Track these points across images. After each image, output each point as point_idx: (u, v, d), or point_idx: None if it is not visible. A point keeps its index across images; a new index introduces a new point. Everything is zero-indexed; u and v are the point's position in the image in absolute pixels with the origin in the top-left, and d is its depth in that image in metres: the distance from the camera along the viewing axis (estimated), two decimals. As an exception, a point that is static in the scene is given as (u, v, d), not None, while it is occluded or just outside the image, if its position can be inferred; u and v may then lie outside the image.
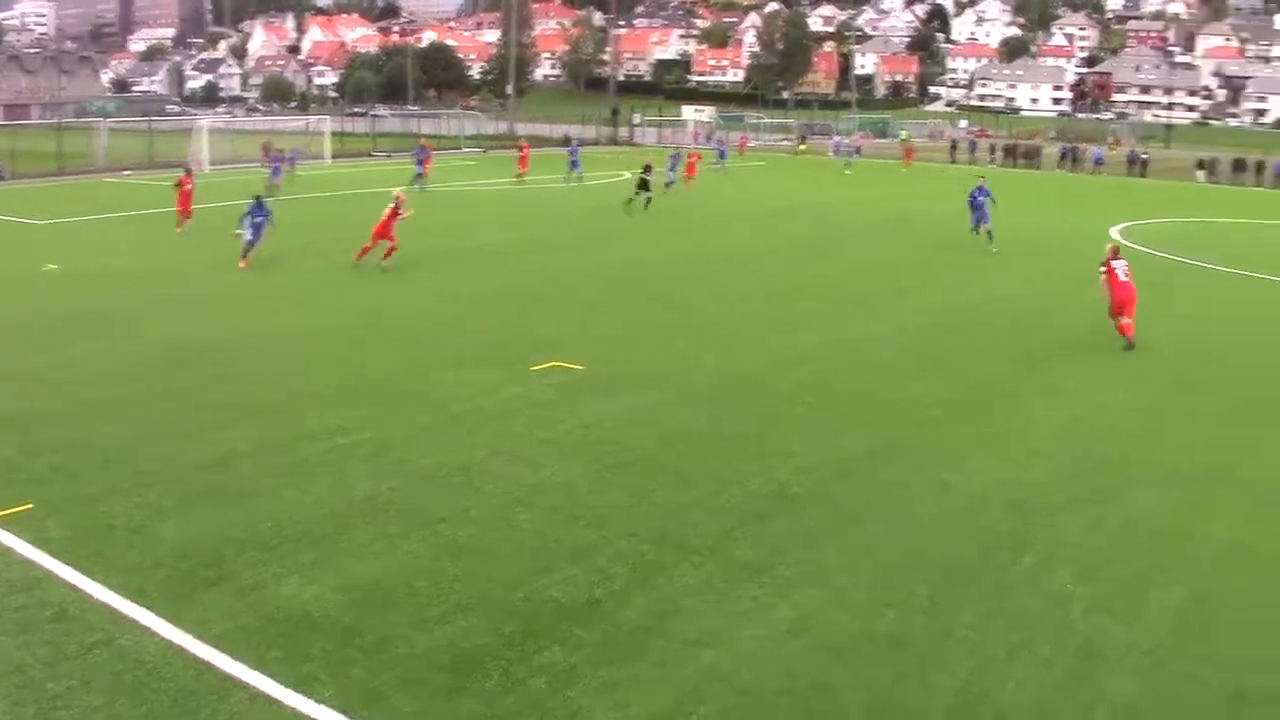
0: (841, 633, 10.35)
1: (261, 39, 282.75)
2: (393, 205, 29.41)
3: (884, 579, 11.56)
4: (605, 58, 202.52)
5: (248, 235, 28.94)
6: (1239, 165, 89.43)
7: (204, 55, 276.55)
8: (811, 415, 17.45)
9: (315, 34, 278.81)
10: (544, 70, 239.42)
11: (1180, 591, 11.69)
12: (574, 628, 10.14)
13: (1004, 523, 13.38)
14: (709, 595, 10.93)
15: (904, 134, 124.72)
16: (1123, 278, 23.46)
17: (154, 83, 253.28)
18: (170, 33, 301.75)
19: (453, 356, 20.14)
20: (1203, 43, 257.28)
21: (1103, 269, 23.75)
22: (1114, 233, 44.69)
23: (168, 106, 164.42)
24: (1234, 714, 9.40)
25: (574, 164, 57.23)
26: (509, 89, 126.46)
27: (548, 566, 11.41)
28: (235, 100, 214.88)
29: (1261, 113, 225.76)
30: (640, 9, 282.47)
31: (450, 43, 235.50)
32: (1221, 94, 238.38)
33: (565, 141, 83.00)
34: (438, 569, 11.25)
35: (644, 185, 44.49)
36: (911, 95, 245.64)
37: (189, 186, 35.63)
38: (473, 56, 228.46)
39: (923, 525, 13.16)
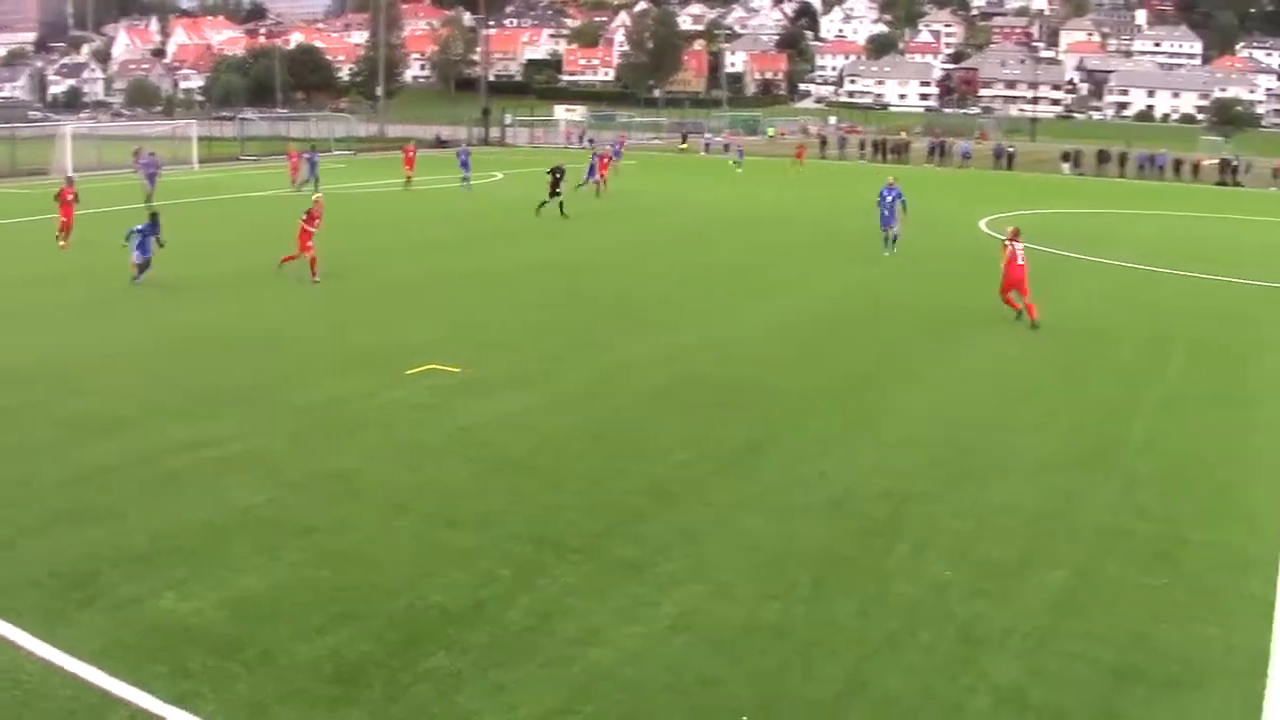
0: (725, 626, 10.43)
1: (125, 43, 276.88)
2: (306, 212, 28.65)
3: (765, 571, 11.68)
4: (475, 58, 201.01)
5: (136, 257, 26.93)
6: (1103, 157, 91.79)
7: (66, 60, 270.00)
8: (688, 411, 17.56)
9: (180, 37, 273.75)
10: (414, 71, 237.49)
11: (1057, 574, 11.96)
12: (458, 632, 10.11)
13: (880, 510, 13.60)
14: (592, 594, 10.96)
15: (770, 131, 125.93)
16: (1020, 261, 24.78)
17: (15, 88, 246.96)
18: (31, 37, 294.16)
19: (327, 362, 19.94)
20: (1066, 38, 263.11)
21: (1005, 248, 25.31)
22: (982, 225, 45.58)
23: (30, 113, 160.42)
24: (1114, 690, 9.65)
25: (464, 165, 55.61)
26: (379, 90, 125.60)
27: (429, 571, 11.35)
28: (99, 105, 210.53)
29: (1124, 106, 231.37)
30: (510, 9, 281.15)
31: (318, 44, 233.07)
32: (1085, 88, 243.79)
33: (438, 142, 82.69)
34: (318, 578, 11.14)
35: (556, 188, 43.51)
36: (781, 93, 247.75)
37: (70, 196, 33.79)
38: (341, 58, 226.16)
39: (801, 516, 13.32)
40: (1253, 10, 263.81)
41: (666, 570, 11.59)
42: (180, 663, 9.43)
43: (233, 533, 12.23)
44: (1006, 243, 25.34)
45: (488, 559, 11.67)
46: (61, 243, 32.77)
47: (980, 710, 9.23)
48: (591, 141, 68.32)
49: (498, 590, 10.96)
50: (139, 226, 27.10)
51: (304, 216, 28.37)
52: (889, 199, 35.45)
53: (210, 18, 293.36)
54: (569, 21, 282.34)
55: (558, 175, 43.57)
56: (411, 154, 57.68)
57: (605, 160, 57.06)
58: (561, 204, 43.31)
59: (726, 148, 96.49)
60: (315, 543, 12.02)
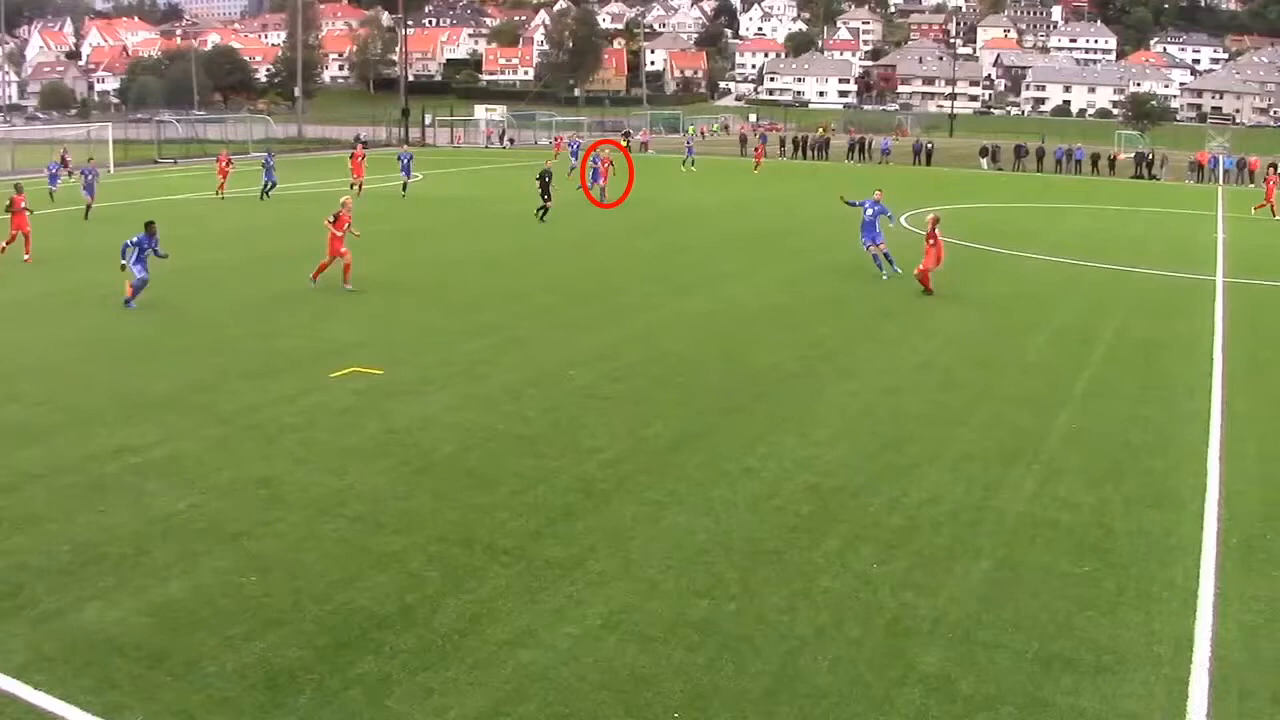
0: (655, 624, 10.44)
1: (39, 45, 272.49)
2: (337, 214, 27.50)
3: (693, 568, 11.70)
4: (394, 58, 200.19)
5: (139, 273, 24.61)
6: (1020, 152, 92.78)
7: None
8: (613, 409, 17.56)
9: (95, 38, 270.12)
10: (332, 72, 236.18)
11: (983, 564, 12.08)
12: (387, 636, 10.04)
13: (806, 505, 13.67)
14: (522, 595, 10.92)
15: (691, 129, 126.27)
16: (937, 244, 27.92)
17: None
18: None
19: (250, 366, 19.70)
20: (983, 34, 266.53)
21: (929, 236, 28.51)
22: (903, 220, 45.89)
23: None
24: (1041, 677, 9.77)
25: (405, 170, 53.30)
26: (297, 91, 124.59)
27: (357, 575, 11.26)
28: (13, 109, 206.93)
29: (1041, 101, 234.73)
30: (429, 8, 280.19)
31: (235, 45, 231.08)
32: (1002, 84, 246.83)
33: (356, 141, 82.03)
34: (244, 585, 11.02)
35: (547, 192, 42.32)
36: (701, 91, 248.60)
37: (22, 205, 31.86)
38: (259, 59, 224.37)
39: (728, 512, 13.36)
40: (1166, 6, 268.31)
41: (596, 569, 11.58)
42: (105, 674, 9.30)
43: (156, 540, 12.06)
44: (931, 231, 28.30)
45: (416, 561, 11.61)
46: (25, 257, 31.15)
47: (909, 701, 9.30)
48: (576, 145, 66.09)
49: (426, 593, 10.90)
50: (134, 239, 24.66)
51: (331, 220, 27.38)
52: (870, 213, 31.72)
53: (125, 19, 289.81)
54: (488, 21, 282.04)
55: (546, 179, 42.46)
56: (360, 159, 54.17)
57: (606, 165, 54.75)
58: (546, 210, 42.32)
59: (645, 146, 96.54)
60: (240, 549, 11.89)
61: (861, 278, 30.95)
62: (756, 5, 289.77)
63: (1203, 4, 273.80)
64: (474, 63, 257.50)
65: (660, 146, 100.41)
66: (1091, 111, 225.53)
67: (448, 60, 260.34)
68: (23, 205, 31.68)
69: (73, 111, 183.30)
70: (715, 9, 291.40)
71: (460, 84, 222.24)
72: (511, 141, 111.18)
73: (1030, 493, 14.45)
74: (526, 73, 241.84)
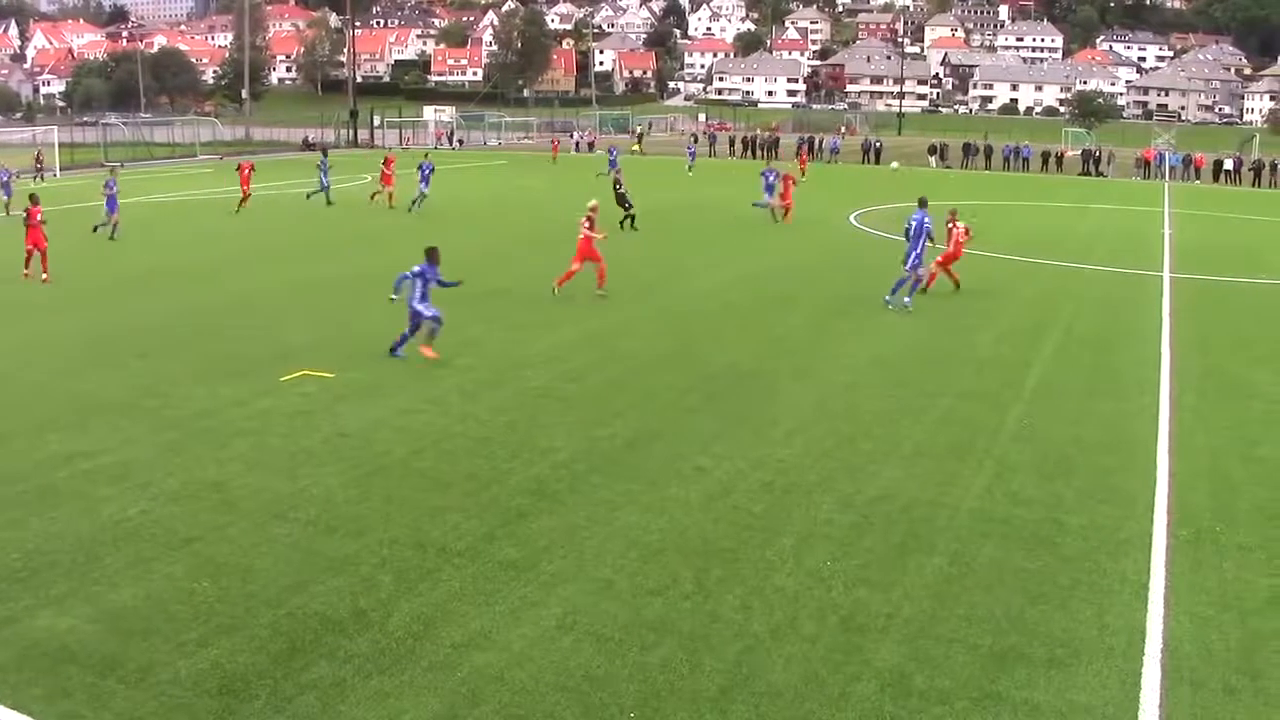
0: (610, 624, 10.44)
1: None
2: (587, 219, 26.82)
3: (648, 567, 11.71)
4: (342, 59, 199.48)
5: (427, 313, 20.78)
6: (969, 150, 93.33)
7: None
8: (566, 410, 17.54)
9: (40, 40, 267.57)
10: (280, 73, 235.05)
11: (936, 560, 12.15)
12: (341, 640, 9.99)
13: (760, 503, 13.72)
14: (476, 597, 10.89)
15: (640, 129, 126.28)
16: (962, 238, 28.11)
17: None
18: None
19: (200, 370, 19.53)
20: (930, 33, 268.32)
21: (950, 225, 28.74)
22: (852, 219, 46.09)
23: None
24: (995, 671, 9.85)
25: (424, 180, 47.79)
26: (244, 93, 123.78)
27: (310, 579, 11.20)
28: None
29: (988, 99, 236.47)
30: (376, 9, 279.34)
31: (182, 47, 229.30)
32: (950, 82, 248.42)
33: (305, 145, 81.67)
34: (196, 590, 10.93)
35: (622, 200, 40.61)
36: (650, 91, 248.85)
37: (39, 217, 28.91)
38: (205, 61, 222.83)
39: (682, 511, 13.38)
40: (1112, 4, 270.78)
41: (550, 570, 11.56)
42: (58, 683, 9.21)
43: (107, 546, 11.94)
44: (951, 221, 28.59)
45: (369, 565, 11.55)
46: (43, 276, 28.36)
47: (865, 696, 9.33)
48: (615, 152, 63.34)
49: (380, 596, 10.85)
50: (415, 270, 20.63)
51: (586, 225, 26.76)
52: (919, 226, 26.57)
53: (70, 21, 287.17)
54: (436, 22, 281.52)
55: (620, 189, 40.95)
56: (390, 167, 49.25)
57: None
58: (632, 218, 40.55)
59: (591, 146, 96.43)
60: (192, 554, 11.79)
61: (816, 275, 31.04)
62: (705, 5, 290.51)
63: (1148, 2, 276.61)
64: (422, 64, 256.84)
65: (605, 145, 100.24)
66: (1039, 109, 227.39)
67: (396, 61, 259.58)
68: (39, 218, 28.80)
69: (18, 115, 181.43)
70: (664, 9, 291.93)
71: (409, 85, 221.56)
72: (460, 143, 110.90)
73: (982, 488, 14.54)
74: (475, 73, 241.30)
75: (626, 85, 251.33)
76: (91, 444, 15.37)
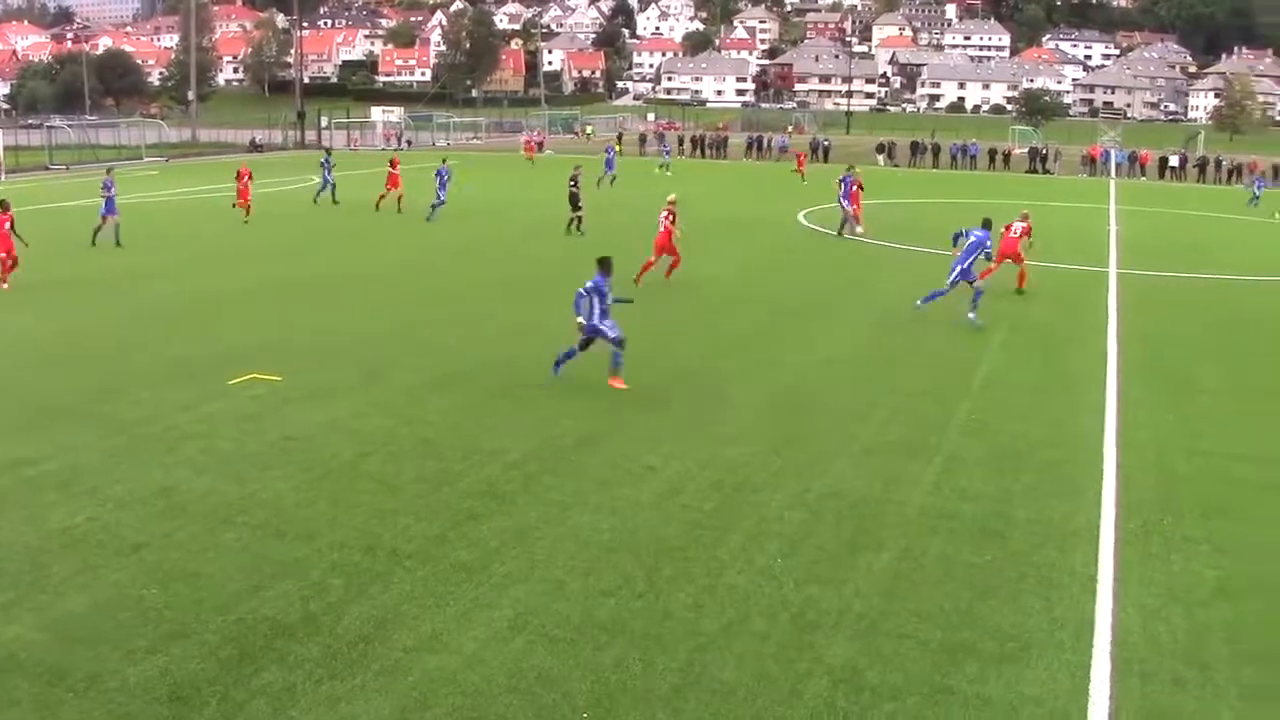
0: (563, 625, 10.42)
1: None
2: (668, 213, 28.53)
3: (599, 567, 11.71)
4: (289, 60, 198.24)
5: (613, 332, 19.27)
6: (916, 148, 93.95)
7: None
8: (517, 411, 17.50)
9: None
10: (226, 74, 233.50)
11: (885, 556, 12.23)
12: (292, 645, 9.92)
13: (710, 501, 13.75)
14: (427, 600, 10.85)
15: (590, 129, 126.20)
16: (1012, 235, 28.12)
17: None
18: None
19: (147, 374, 19.34)
20: (878, 32, 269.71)
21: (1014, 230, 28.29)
22: (801, 218, 46.24)
23: None
24: (946, 666, 9.93)
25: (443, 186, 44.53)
26: (190, 95, 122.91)
27: (259, 584, 11.11)
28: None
29: (936, 98, 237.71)
30: (324, 10, 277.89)
31: (128, 48, 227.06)
32: (898, 81, 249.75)
33: (253, 147, 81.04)
34: (144, 597, 10.83)
35: (574, 201, 39.03)
36: (599, 90, 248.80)
37: (7, 225, 27.68)
38: (151, 62, 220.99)
39: (632, 510, 13.39)
40: (1059, 3, 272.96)
41: (502, 571, 11.53)
42: (5, 692, 9.11)
43: (53, 554, 11.80)
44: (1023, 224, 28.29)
45: (318, 569, 11.48)
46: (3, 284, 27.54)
47: (817, 693, 9.37)
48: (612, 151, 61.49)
49: (330, 600, 10.79)
50: (588, 285, 18.88)
51: (669, 220, 28.74)
52: (971, 242, 25.22)
53: (14, 23, 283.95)
54: (384, 22, 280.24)
55: (574, 186, 39.55)
56: (396, 170, 47.09)
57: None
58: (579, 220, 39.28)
59: (541, 146, 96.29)
60: (140, 560, 11.68)
61: (767, 274, 31.11)
62: (654, 5, 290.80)
63: (1094, 1, 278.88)
64: (370, 64, 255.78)
65: (557, 147, 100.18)
66: (986, 108, 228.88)
67: (344, 62, 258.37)
68: (7, 227, 27.85)
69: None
70: (612, 9, 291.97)
71: (356, 86, 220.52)
72: (409, 143, 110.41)
73: (931, 484, 14.64)
74: (424, 74, 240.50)
75: (575, 85, 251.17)
76: (36, 450, 15.18)
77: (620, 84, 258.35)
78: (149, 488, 13.83)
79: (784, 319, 25.35)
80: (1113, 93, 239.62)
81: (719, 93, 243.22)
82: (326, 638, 10.07)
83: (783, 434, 16.67)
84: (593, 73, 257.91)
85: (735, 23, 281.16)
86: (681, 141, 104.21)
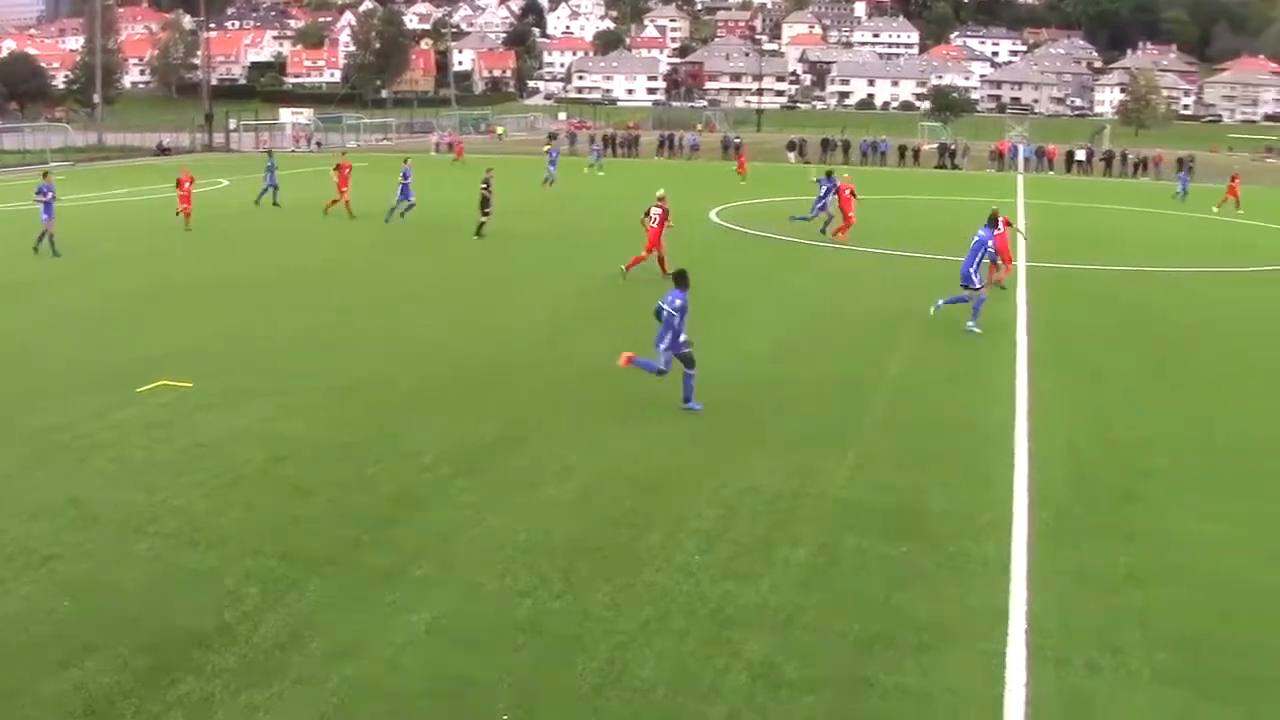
0: (481, 627, 10.41)
1: None
2: (659, 210, 29.27)
3: (516, 568, 11.69)
4: (197, 62, 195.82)
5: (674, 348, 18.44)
6: (827, 145, 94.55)
7: None
8: (433, 413, 17.41)
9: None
10: (133, 77, 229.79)
11: (802, 551, 12.32)
12: (208, 655, 9.81)
13: (627, 499, 13.78)
14: (344, 606, 10.77)
15: (500, 130, 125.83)
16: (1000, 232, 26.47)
17: None
18: None
19: (54, 382, 19.01)
20: (788, 30, 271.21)
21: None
22: (713, 215, 46.39)
23: None
24: (864, 657, 10.04)
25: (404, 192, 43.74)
26: (96, 98, 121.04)
27: (173, 594, 10.98)
28: None
29: (845, 95, 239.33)
30: (231, 10, 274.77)
31: (31, 51, 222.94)
32: (808, 79, 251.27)
33: (160, 150, 79.85)
34: (56, 610, 10.65)
35: (484, 202, 38.08)
36: (510, 90, 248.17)
37: None
38: (56, 65, 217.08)
39: (549, 510, 13.39)
40: (966, 1, 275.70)
41: (419, 575, 11.48)
42: (-89, 710, 8.95)
43: (-41, 568, 11.60)
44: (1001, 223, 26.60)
45: (233, 577, 11.35)
46: None
47: (736, 688, 9.42)
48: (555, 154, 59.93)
49: (246, 609, 10.67)
50: (677, 304, 17.89)
51: (657, 214, 29.72)
52: (975, 241, 24.71)
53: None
54: (293, 23, 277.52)
55: (485, 190, 38.54)
56: (345, 171, 45.10)
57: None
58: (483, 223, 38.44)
59: (450, 147, 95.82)
60: (51, 572, 11.49)
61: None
62: (564, 4, 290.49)
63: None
64: (279, 65, 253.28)
65: (470, 147, 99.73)
66: (895, 104, 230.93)
67: (252, 63, 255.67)
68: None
69: None
70: (523, 8, 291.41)
71: (266, 87, 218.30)
72: (319, 145, 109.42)
73: (845, 477, 14.78)
74: (333, 75, 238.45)
75: (486, 85, 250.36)
76: (-59, 462, 14.92)
77: (531, 83, 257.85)
78: (59, 498, 13.61)
79: (698, 316, 25.35)
80: (1020, 89, 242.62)
81: (630, 91, 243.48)
82: (243, 647, 9.97)
83: (699, 430, 16.75)
84: (504, 72, 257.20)
85: (645, 21, 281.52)
86: (593, 140, 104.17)
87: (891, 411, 17.97)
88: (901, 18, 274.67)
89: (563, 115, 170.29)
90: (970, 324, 24.17)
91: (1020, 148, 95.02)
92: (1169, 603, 11.40)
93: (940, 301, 25.04)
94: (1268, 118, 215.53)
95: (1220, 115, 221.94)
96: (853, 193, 39.48)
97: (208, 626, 10.32)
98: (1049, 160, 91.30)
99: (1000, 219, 25.50)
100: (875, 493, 14.26)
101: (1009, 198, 59.86)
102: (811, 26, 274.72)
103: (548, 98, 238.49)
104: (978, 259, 24.42)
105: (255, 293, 27.87)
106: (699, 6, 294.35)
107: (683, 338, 17.74)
